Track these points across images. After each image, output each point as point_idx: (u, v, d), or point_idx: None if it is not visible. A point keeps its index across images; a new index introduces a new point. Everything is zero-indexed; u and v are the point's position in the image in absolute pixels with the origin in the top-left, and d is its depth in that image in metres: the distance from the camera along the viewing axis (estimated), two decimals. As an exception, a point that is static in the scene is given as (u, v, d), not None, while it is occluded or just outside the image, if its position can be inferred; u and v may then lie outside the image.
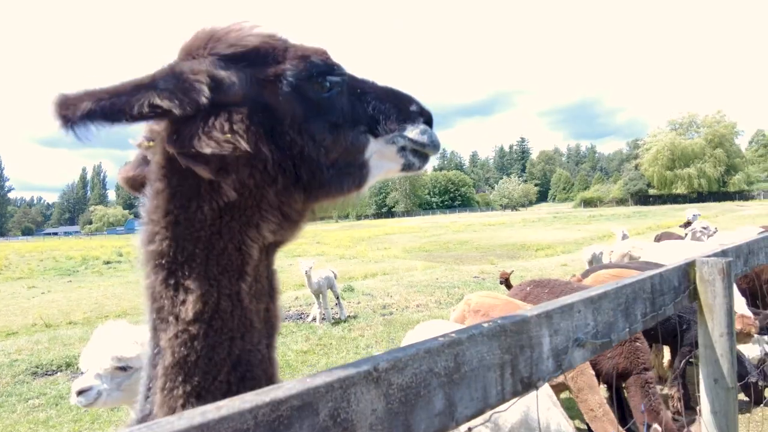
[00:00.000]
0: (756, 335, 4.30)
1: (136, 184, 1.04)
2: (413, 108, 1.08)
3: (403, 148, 1.06)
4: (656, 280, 1.92)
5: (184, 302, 0.85)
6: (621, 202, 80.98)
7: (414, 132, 1.06)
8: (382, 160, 1.05)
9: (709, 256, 2.30)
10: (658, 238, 11.96)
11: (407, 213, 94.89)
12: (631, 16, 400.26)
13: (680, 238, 10.86)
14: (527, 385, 1.25)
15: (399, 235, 39.43)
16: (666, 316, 1.96)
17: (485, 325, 1.16)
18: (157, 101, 0.79)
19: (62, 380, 6.89)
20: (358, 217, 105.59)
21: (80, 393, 1.97)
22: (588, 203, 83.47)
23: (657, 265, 5.97)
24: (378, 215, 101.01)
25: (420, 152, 1.09)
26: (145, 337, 1.32)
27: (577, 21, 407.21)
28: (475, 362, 1.10)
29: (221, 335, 0.86)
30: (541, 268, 15.27)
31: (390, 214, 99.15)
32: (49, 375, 7.15)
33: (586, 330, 1.48)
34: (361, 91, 1.04)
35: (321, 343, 7.85)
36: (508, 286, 8.12)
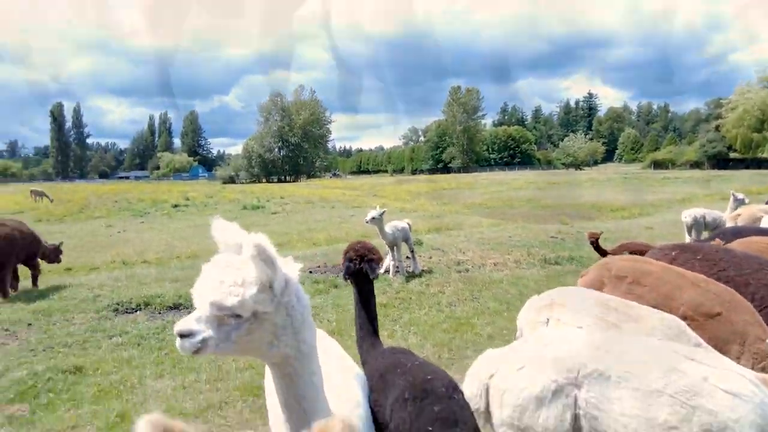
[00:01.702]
0: None
1: None
2: None
3: None
4: None
5: None
6: (695, 165, 75.06)
7: None
8: None
9: None
10: (771, 203, 10.57)
11: (464, 169, 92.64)
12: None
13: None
14: None
15: (457, 190, 38.39)
16: None
17: None
18: None
19: (141, 320, 6.86)
20: (413, 172, 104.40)
21: (183, 336, 1.49)
22: (658, 165, 78.09)
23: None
24: (433, 170, 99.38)
25: None
26: (254, 277, 1.52)
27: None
28: None
29: None
30: (624, 229, 14.10)
31: (446, 169, 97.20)
32: (129, 313, 7.15)
33: None
34: None
35: (399, 297, 7.43)
36: (598, 248, 7.22)
